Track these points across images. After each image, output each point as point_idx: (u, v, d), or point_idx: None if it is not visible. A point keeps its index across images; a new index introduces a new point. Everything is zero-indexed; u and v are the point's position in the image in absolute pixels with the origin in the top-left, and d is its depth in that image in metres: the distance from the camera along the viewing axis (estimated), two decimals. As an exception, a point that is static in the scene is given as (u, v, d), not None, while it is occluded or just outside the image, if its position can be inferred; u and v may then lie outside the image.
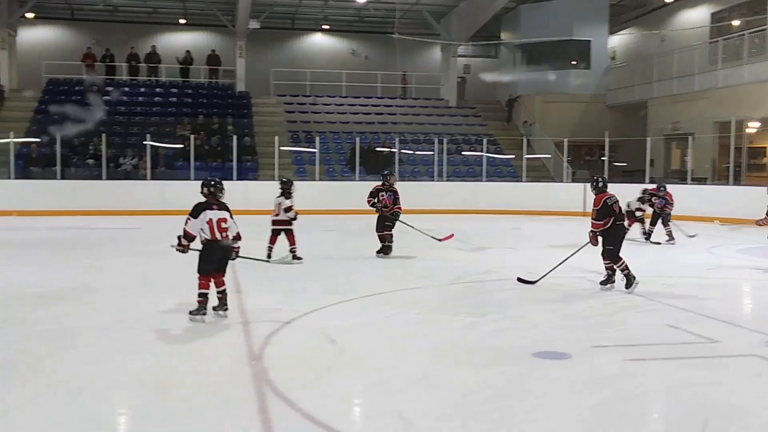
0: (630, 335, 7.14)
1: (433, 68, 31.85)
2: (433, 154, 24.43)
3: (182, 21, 30.60)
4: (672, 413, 5.12)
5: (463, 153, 26.01)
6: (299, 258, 11.37)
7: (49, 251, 13.03)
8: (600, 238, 9.26)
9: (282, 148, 23.19)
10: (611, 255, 9.18)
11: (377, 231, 12.38)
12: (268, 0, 27.05)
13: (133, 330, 7.08)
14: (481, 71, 32.34)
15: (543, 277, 9.59)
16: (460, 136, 27.24)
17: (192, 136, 22.48)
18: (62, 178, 21.00)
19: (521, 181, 24.32)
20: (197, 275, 7.29)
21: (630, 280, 9.09)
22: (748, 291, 10.24)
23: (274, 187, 20.55)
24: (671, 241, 14.78)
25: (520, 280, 9.65)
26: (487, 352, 6.38)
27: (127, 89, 28.00)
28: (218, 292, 7.33)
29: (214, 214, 7.28)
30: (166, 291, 9.09)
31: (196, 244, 7.47)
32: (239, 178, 21.95)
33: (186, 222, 7.34)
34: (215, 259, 7.27)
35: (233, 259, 7.53)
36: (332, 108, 28.91)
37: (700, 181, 22.83)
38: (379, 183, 12.65)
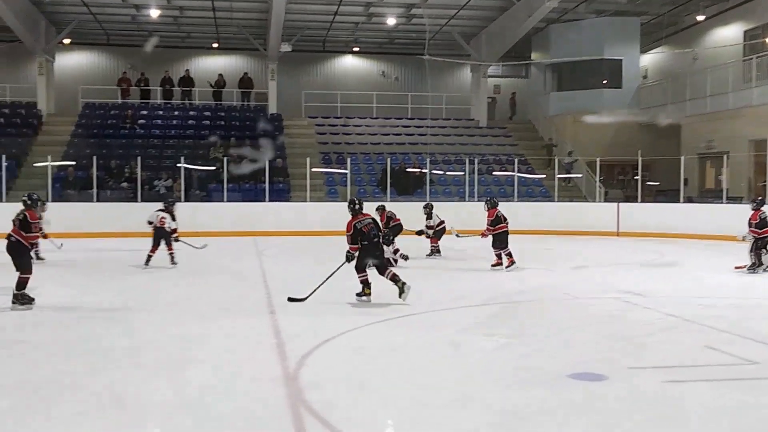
0: (668, 357, 7.03)
1: (464, 89, 31.91)
2: (464, 174, 24.40)
3: (215, 45, 31.03)
4: (713, 436, 5.04)
5: (493, 173, 25.96)
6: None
7: (86, 272, 13.22)
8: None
9: (314, 169, 23.37)
10: (357, 267, 9.75)
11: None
12: (300, 23, 27.35)
13: (168, 349, 7.17)
14: (511, 91, 32.38)
15: (311, 294, 9.71)
16: (490, 156, 27.21)
17: (225, 159, 22.74)
18: (98, 200, 21.31)
19: (553, 201, 24.21)
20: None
21: (363, 291, 9.73)
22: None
23: (306, 208, 20.77)
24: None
25: (290, 299, 9.77)
26: (522, 373, 6.33)
27: (161, 113, 28.43)
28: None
29: (161, 213, 13.65)
30: (200, 311, 9.16)
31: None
32: (271, 200, 22.12)
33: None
34: (156, 238, 13.58)
35: (175, 242, 13.99)
36: (363, 129, 29.07)
37: (735, 200, 22.52)
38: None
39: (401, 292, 9.43)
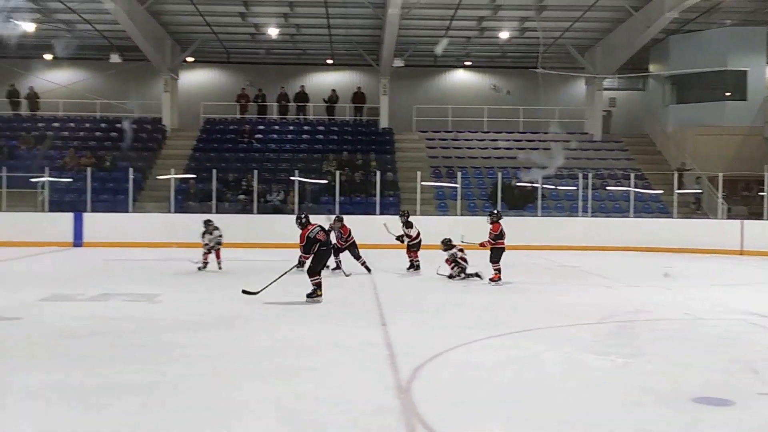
0: (800, 383, 6.64)
1: (578, 102, 31.31)
2: (577, 189, 23.89)
3: (329, 61, 31.74)
4: None
5: (608, 188, 25.29)
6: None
7: (205, 281, 13.70)
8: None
9: (424, 183, 23.45)
10: (311, 271, 10.81)
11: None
12: (412, 39, 27.58)
13: (280, 358, 7.29)
14: (627, 105, 31.55)
15: (264, 288, 10.76)
16: (605, 171, 26.54)
17: (337, 172, 23.17)
18: (217, 212, 22.11)
19: (672, 218, 23.34)
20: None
21: (313, 293, 10.77)
22: None
23: (415, 222, 20.78)
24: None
25: (244, 291, 10.77)
26: (641, 395, 6.11)
27: (277, 128, 29.28)
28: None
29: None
30: (312, 321, 9.33)
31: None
32: (382, 213, 22.31)
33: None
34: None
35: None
36: (474, 143, 28.98)
37: None
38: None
39: (311, 295, 10.75)
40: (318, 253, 10.85)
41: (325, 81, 31.97)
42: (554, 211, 23.88)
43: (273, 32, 27.20)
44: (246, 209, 22.73)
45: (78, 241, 21.12)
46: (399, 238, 15.61)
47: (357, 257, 14.98)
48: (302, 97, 30.11)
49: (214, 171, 22.72)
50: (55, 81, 29.80)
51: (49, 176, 22.62)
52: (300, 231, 10.97)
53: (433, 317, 9.79)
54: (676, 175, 23.81)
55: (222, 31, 27.86)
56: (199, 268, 14.95)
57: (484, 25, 26.56)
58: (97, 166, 24.26)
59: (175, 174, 22.99)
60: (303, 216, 11.18)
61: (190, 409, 5.58)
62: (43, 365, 6.86)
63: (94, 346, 7.76)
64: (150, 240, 20.54)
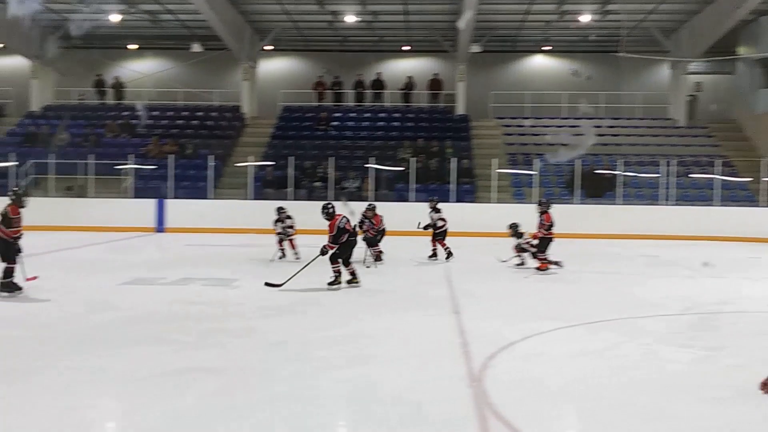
0: None
1: (661, 87, 30.35)
2: (659, 177, 23.19)
3: (406, 48, 31.64)
4: None
5: (691, 176, 24.44)
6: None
7: (282, 268, 13.86)
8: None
9: (500, 170, 23.19)
10: (334, 258, 10.88)
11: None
12: (490, 24, 27.23)
13: (352, 345, 7.35)
14: (714, 89, 30.42)
15: (288, 280, 10.67)
16: (689, 158, 25.69)
17: (412, 159, 23.10)
18: (294, 198, 22.35)
19: (759, 206, 22.44)
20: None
21: (335, 280, 10.90)
22: None
23: (490, 209, 20.60)
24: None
25: (267, 284, 10.71)
26: (723, 389, 5.90)
27: (353, 115, 29.41)
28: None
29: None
30: (384, 309, 9.35)
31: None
32: (457, 201, 22.18)
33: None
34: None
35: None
36: (552, 130, 28.42)
37: None
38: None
39: (332, 284, 10.89)
40: (345, 242, 10.92)
41: (402, 68, 31.88)
42: (635, 199, 23.27)
43: (350, 19, 27.30)
44: (321, 196, 22.90)
45: (160, 226, 21.76)
46: (426, 227, 15.25)
47: (373, 245, 14.66)
48: (378, 84, 30.14)
49: (291, 158, 23.00)
50: (139, 70, 30.71)
51: (134, 164, 23.35)
52: (328, 221, 10.92)
53: (503, 306, 9.68)
54: (765, 163, 22.86)
55: (300, 19, 28.09)
56: (281, 258, 15.00)
57: (565, 8, 25.96)
58: (179, 154, 24.86)
59: (254, 161, 23.37)
60: (330, 206, 11.10)
61: (264, 395, 5.66)
62: (125, 347, 7.09)
63: (174, 329, 7.97)
64: (229, 226, 20.97)
